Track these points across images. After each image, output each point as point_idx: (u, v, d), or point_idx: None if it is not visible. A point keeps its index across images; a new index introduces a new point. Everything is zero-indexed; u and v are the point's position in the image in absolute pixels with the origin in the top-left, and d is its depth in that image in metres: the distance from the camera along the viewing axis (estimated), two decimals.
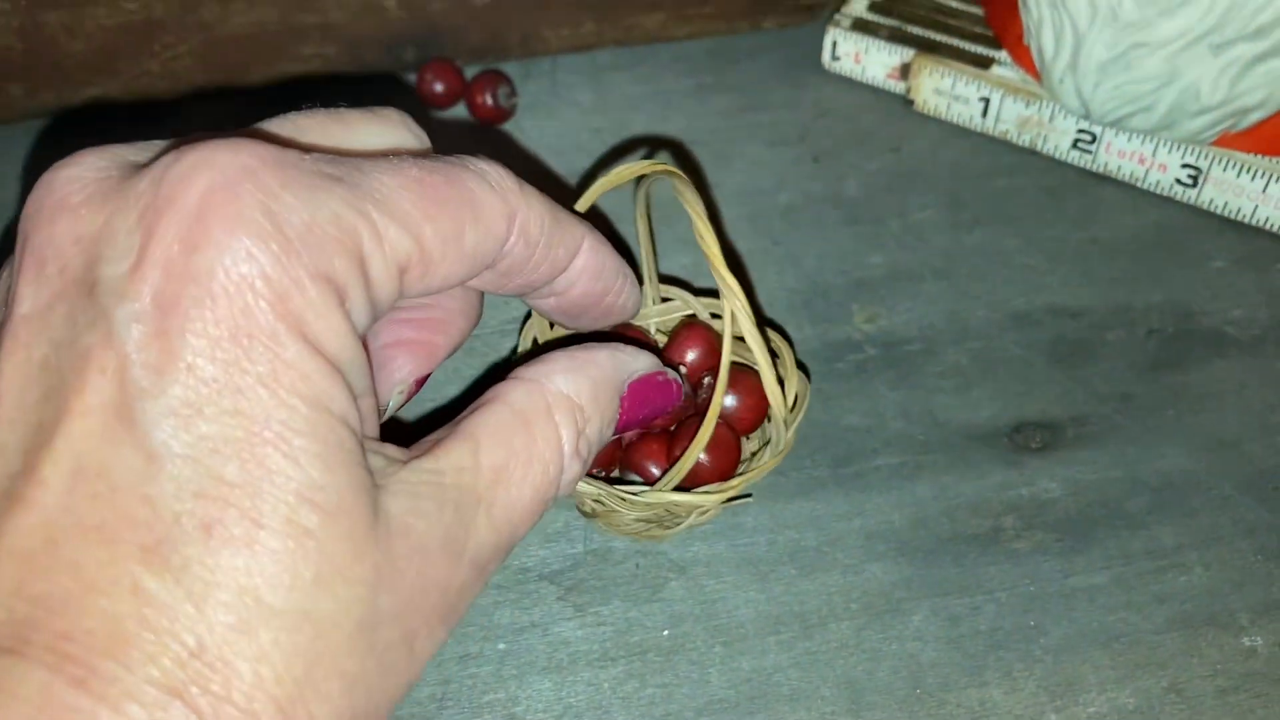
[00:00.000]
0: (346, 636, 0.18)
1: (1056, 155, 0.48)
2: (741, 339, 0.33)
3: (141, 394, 0.17)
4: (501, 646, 0.33)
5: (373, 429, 0.21)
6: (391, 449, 0.21)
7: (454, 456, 0.21)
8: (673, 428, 0.34)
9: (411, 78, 0.51)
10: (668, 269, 0.43)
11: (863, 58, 0.50)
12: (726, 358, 0.27)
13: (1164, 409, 0.39)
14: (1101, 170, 0.47)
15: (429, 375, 0.27)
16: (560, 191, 0.47)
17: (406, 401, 0.27)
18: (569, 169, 0.48)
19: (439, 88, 0.49)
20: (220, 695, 0.16)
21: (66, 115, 0.49)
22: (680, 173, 0.28)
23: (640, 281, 0.37)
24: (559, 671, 0.33)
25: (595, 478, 0.31)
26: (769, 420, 0.35)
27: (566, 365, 0.24)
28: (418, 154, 0.22)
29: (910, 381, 0.40)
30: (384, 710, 0.19)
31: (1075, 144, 0.47)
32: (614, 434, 0.26)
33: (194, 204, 0.18)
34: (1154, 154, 0.45)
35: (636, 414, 0.27)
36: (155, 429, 0.17)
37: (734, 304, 0.27)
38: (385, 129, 0.23)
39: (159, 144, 0.20)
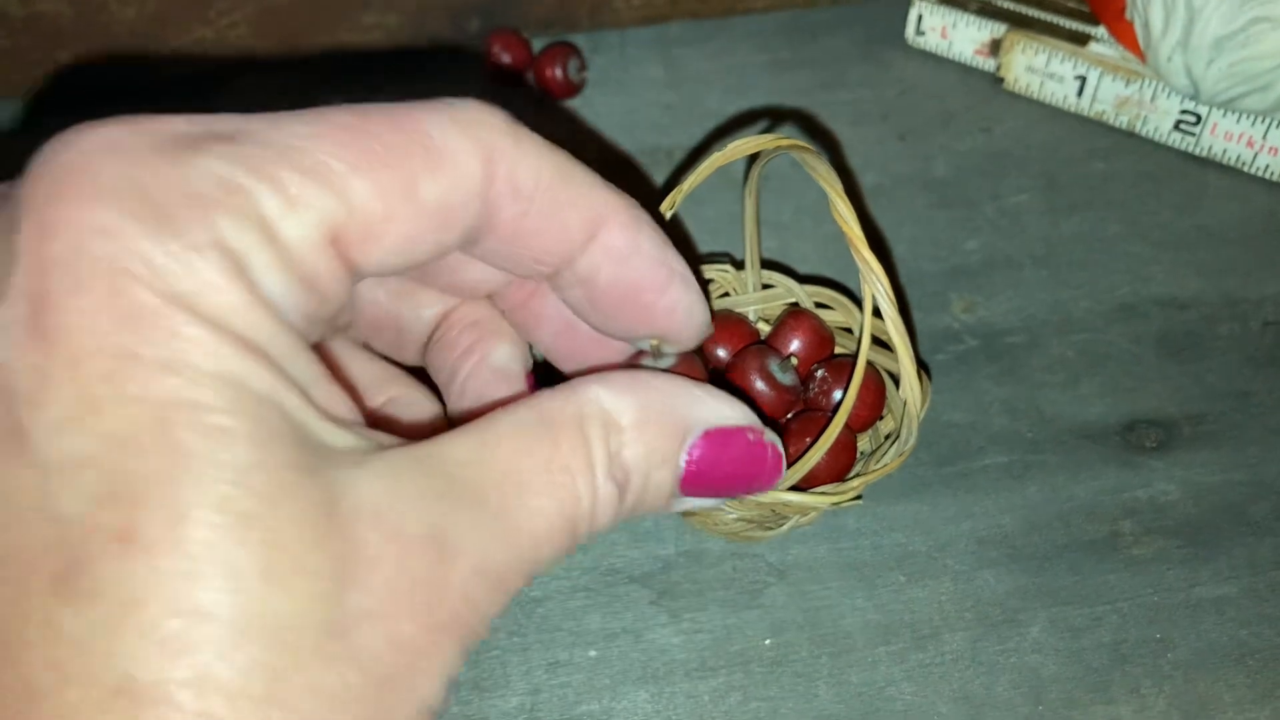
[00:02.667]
0: (313, 642, 0.15)
1: (1156, 137, 0.45)
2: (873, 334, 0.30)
3: (29, 403, 0.14)
4: (593, 653, 0.31)
5: (343, 411, 0.17)
6: (382, 435, 0.18)
7: (456, 448, 0.17)
8: (783, 420, 0.32)
9: (476, 49, 0.48)
10: None
11: (950, 32, 0.48)
12: (864, 348, 0.25)
13: None
14: (1205, 153, 0.44)
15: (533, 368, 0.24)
16: (627, 170, 0.44)
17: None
18: (640, 146, 0.45)
19: (505, 60, 0.47)
20: None
21: (114, 87, 0.46)
22: (811, 147, 0.26)
23: (740, 265, 0.35)
24: (655, 682, 0.31)
25: None
26: (881, 417, 0.33)
27: (615, 380, 0.20)
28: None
29: (1014, 375, 0.38)
30: None
31: (1177, 125, 0.44)
32: (679, 490, 0.21)
33: (48, 187, 0.15)
34: (1265, 136, 0.43)
35: (712, 473, 0.21)
36: (50, 439, 0.14)
37: (876, 289, 0.24)
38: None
39: None
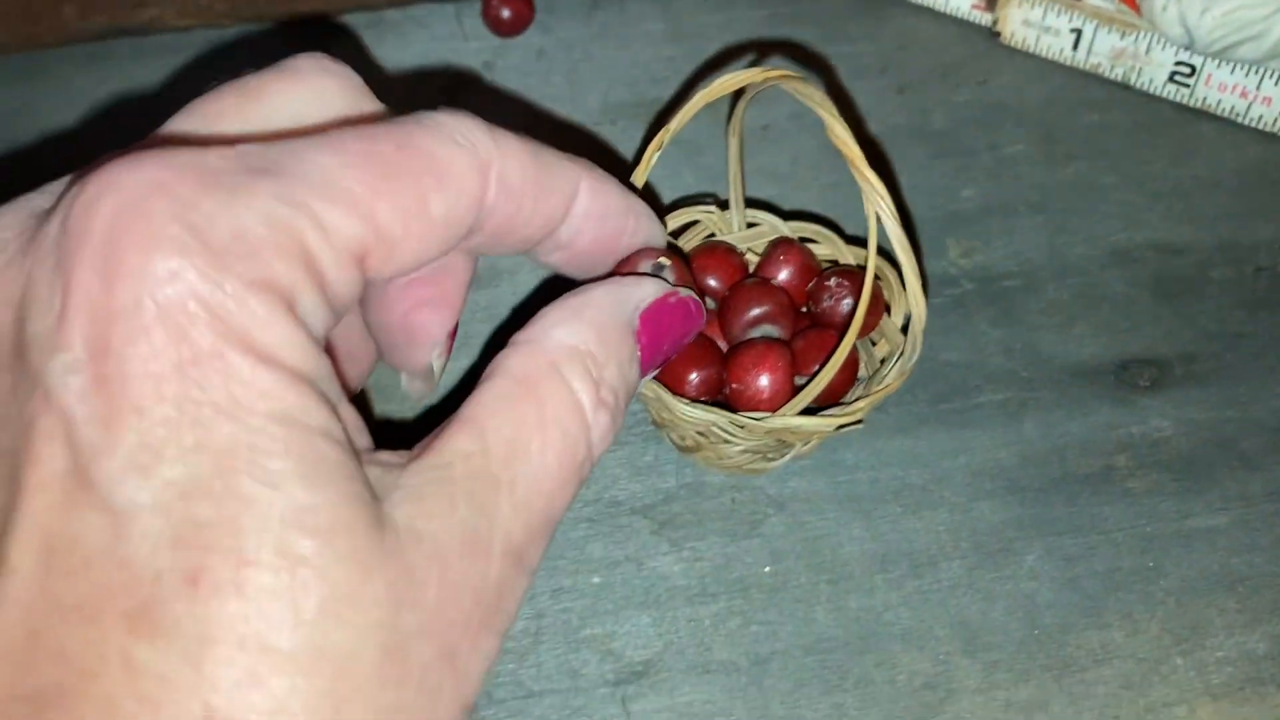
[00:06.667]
0: (373, 666, 0.16)
1: (1151, 90, 0.45)
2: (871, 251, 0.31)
3: (94, 452, 0.15)
4: (596, 580, 0.32)
5: (362, 440, 0.18)
6: (386, 454, 0.18)
7: (457, 445, 0.19)
8: (788, 339, 0.32)
9: (476, 5, 0.49)
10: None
11: None
12: (872, 264, 0.26)
13: (1277, 348, 0.37)
14: (1199, 105, 0.45)
15: (456, 327, 0.24)
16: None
17: (447, 360, 0.24)
18: (640, 98, 0.46)
19: (505, 14, 0.47)
20: None
21: (120, 37, 0.47)
22: (800, 76, 0.26)
23: (725, 205, 0.35)
24: (657, 606, 0.31)
25: (703, 403, 0.30)
26: (874, 342, 0.33)
27: (561, 314, 0.21)
28: (364, 119, 0.20)
29: (1010, 317, 0.38)
30: None
31: (1172, 77, 0.45)
32: (642, 374, 0.23)
33: (102, 233, 0.15)
34: (1258, 87, 0.43)
35: (659, 345, 0.23)
36: (117, 486, 0.15)
37: (879, 205, 0.25)
38: (309, 89, 0.20)
39: (64, 182, 0.18)
